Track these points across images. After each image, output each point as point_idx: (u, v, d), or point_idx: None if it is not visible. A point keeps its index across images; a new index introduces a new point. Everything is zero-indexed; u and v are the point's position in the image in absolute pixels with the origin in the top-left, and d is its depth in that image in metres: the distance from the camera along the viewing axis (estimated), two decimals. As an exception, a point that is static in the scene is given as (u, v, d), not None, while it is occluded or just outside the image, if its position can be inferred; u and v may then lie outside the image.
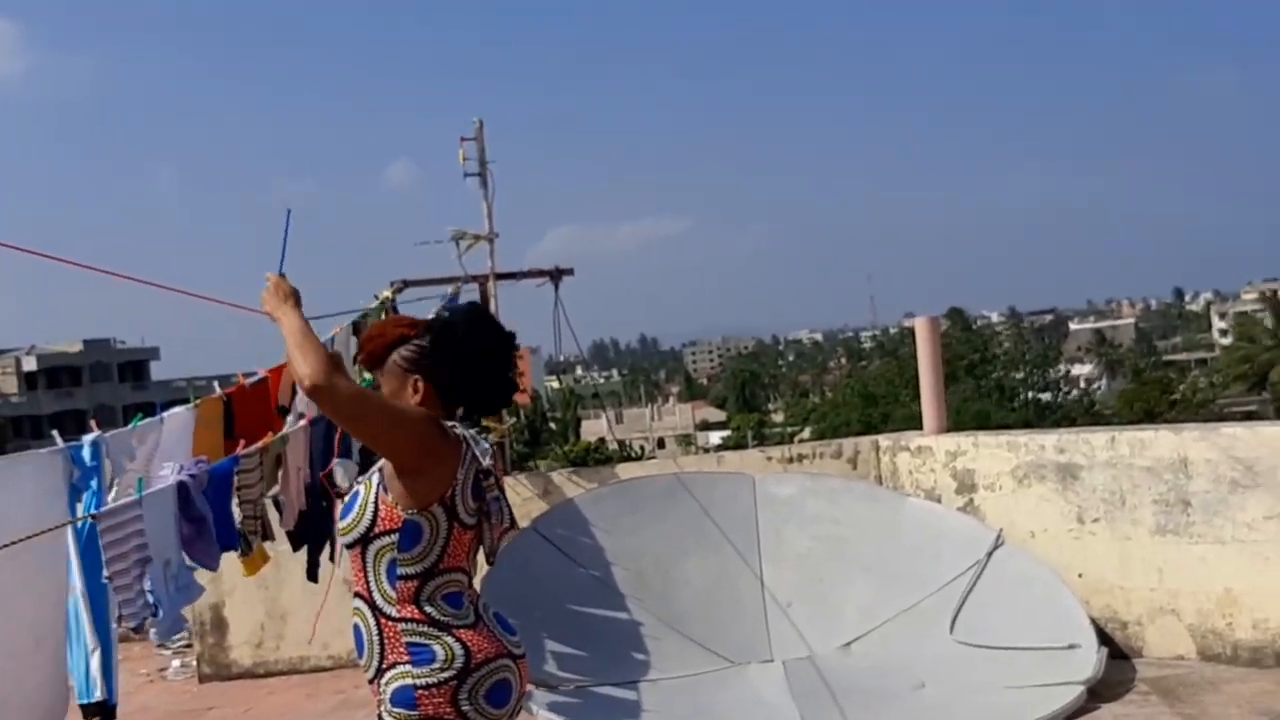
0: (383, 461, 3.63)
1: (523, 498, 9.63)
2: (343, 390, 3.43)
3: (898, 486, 9.19)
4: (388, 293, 9.66)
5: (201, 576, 5.64)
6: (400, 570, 3.52)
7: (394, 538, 3.52)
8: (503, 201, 10.23)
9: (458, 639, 3.51)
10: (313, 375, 3.40)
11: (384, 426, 3.49)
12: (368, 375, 3.95)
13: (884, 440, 9.58)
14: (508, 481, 9.79)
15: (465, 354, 3.71)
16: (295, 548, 6.94)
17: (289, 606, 9.31)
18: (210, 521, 5.49)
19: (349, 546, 3.61)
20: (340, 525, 3.63)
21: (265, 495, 6.27)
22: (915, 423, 11.07)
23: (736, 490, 8.95)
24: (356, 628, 3.59)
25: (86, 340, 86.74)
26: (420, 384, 3.67)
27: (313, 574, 7.03)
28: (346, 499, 3.68)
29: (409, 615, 3.51)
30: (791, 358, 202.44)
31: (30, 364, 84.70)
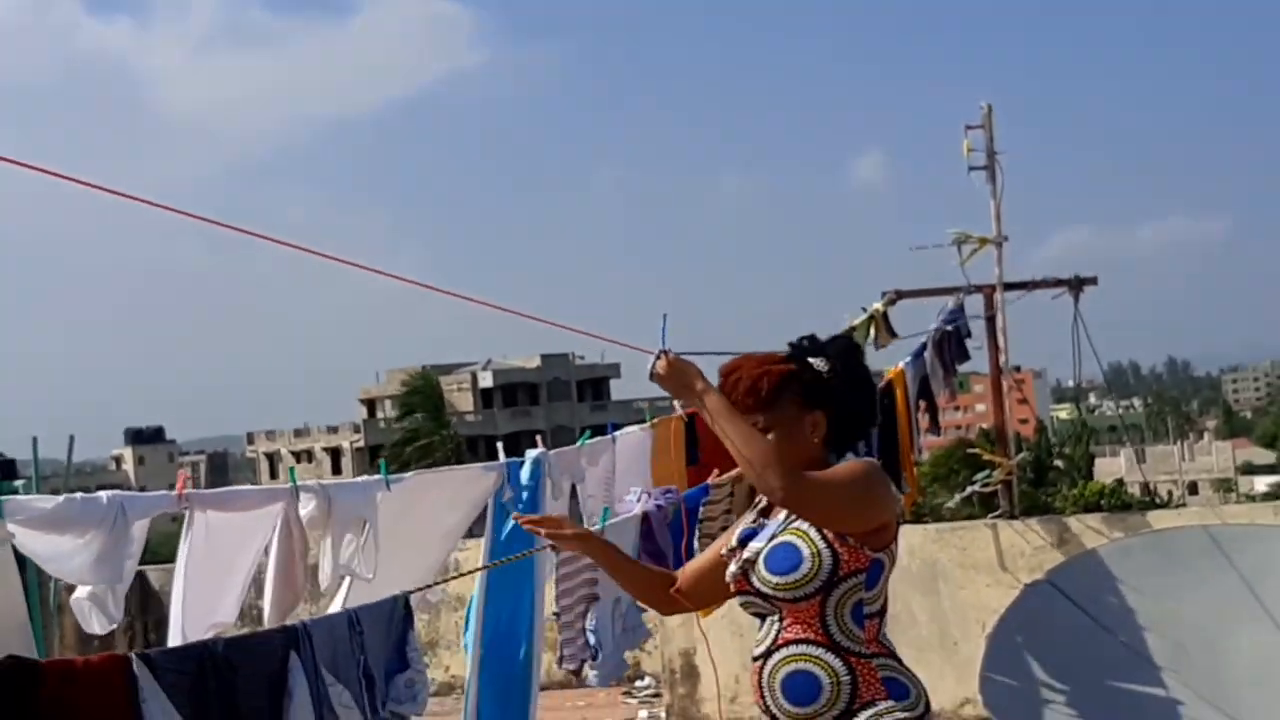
0: None
1: (1033, 545, 9.45)
2: (809, 488, 3.77)
3: None
4: (879, 305, 9.71)
5: (669, 620, 5.79)
6: (866, 609, 3.82)
7: (861, 578, 3.81)
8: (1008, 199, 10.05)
9: (912, 676, 3.85)
10: (784, 487, 3.72)
11: (849, 507, 3.80)
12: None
13: None
14: (1016, 526, 9.61)
15: (862, 382, 4.03)
16: None
17: (764, 656, 9.42)
18: (670, 558, 5.65)
19: (797, 600, 3.81)
20: (778, 581, 3.82)
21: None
22: None
23: (1301, 548, 8.40)
24: (805, 674, 3.81)
25: (544, 355, 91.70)
26: (820, 420, 3.90)
27: None
28: (765, 552, 3.88)
29: (879, 651, 3.83)
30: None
31: (486, 380, 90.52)
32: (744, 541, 3.96)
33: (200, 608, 4.12)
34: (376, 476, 4.68)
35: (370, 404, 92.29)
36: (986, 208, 10.07)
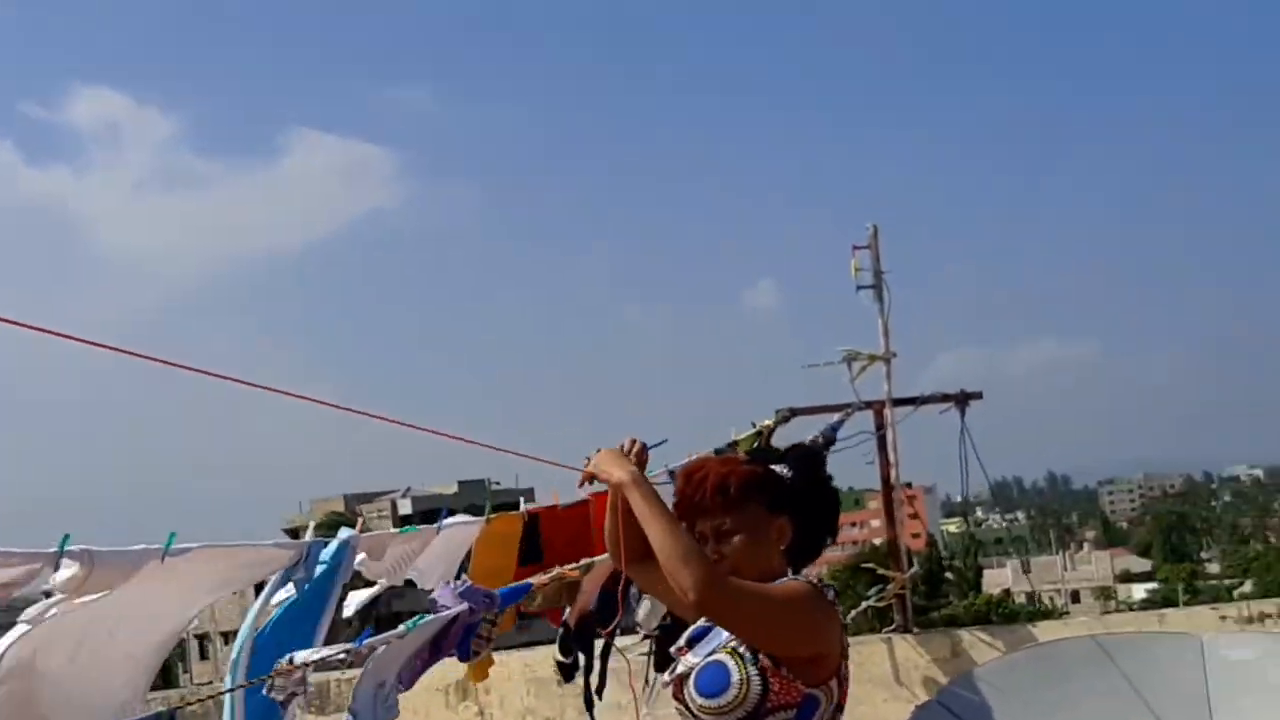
0: None
1: (927, 659, 9.04)
2: (728, 593, 3.29)
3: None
4: (769, 421, 9.36)
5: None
6: None
7: (790, 714, 3.36)
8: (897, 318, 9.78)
9: None
10: (700, 584, 3.24)
11: (774, 625, 3.33)
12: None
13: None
14: (910, 640, 9.22)
15: (825, 490, 3.61)
16: (566, 679, 6.62)
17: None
18: (447, 655, 5.15)
19: None
20: (703, 703, 3.37)
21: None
22: None
23: (1179, 654, 8.08)
24: None
25: (461, 481, 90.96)
26: (786, 527, 3.49)
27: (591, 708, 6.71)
28: (698, 668, 3.43)
29: None
30: (1227, 498, 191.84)
31: (405, 507, 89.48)
32: (692, 641, 3.48)
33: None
34: (156, 545, 3.98)
35: (294, 533, 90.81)
36: (875, 326, 9.80)
